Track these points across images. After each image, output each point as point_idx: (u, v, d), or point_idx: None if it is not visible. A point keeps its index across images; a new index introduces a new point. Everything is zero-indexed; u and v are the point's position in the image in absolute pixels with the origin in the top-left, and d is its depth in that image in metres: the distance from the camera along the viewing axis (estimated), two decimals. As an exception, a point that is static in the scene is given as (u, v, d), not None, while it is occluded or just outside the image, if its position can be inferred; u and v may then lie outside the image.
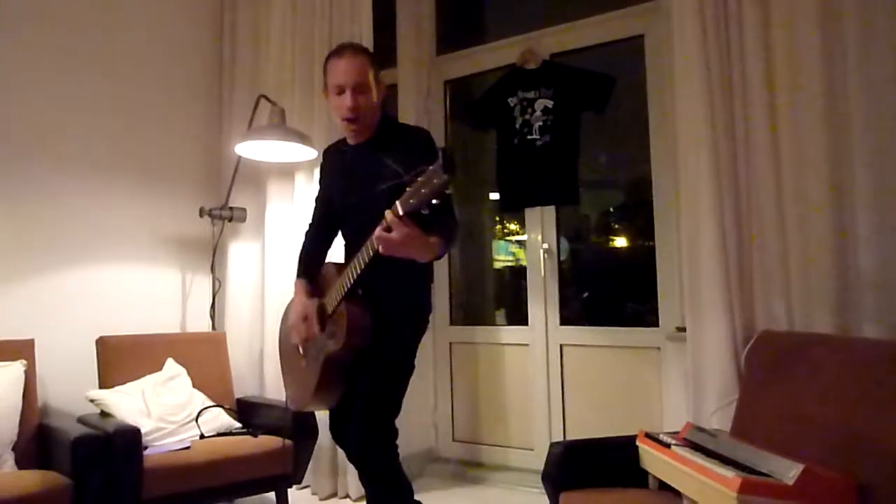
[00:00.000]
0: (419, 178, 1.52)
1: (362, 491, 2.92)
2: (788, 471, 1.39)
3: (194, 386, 2.76)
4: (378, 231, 1.63)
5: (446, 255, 2.08)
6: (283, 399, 2.99)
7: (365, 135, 2.02)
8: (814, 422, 1.67)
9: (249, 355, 3.29)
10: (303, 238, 2.26)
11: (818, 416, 1.67)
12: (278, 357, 2.32)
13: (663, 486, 1.71)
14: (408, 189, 1.55)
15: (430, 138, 1.97)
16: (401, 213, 1.57)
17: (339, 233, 2.19)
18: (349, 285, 1.85)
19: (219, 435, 2.61)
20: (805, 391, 1.75)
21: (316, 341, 2.00)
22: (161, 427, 2.48)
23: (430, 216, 1.58)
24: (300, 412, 2.61)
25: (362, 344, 1.89)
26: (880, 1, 1.95)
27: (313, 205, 2.29)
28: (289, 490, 2.66)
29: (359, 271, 1.80)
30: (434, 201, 1.51)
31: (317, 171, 3.09)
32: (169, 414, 2.55)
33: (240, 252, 3.41)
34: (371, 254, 1.73)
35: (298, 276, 2.16)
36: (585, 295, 3.25)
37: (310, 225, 2.26)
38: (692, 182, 2.26)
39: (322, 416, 2.72)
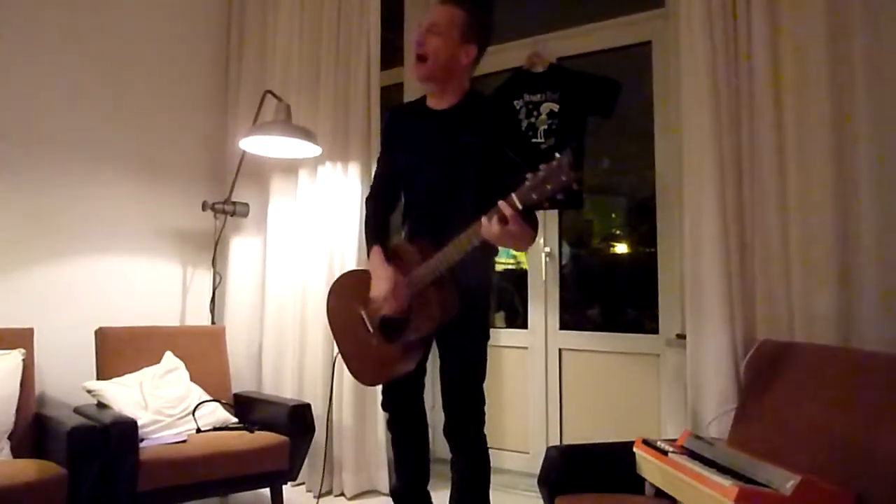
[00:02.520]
0: (540, 173, 1.51)
1: (357, 489, 2.94)
2: (786, 481, 1.38)
3: (192, 380, 2.75)
4: (494, 222, 1.60)
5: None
6: (280, 395, 3.02)
7: (450, 100, 1.94)
8: (813, 432, 1.67)
9: (248, 350, 3.29)
10: (365, 207, 2.16)
11: (817, 426, 1.66)
12: (331, 332, 2.21)
13: (660, 494, 1.71)
14: (527, 182, 1.53)
15: (513, 113, 1.94)
16: (519, 207, 1.56)
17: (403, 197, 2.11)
18: (443, 268, 1.79)
19: (215, 429, 2.60)
20: (805, 401, 1.75)
21: (393, 321, 1.94)
22: (158, 420, 2.48)
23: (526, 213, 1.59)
24: (299, 408, 2.63)
25: (451, 318, 1.86)
26: (888, 10, 1.96)
27: (376, 168, 2.18)
28: (284, 486, 2.65)
29: (459, 256, 1.74)
30: (558, 197, 1.50)
31: (321, 169, 3.13)
32: (166, 407, 2.54)
33: (241, 247, 3.41)
34: (475, 244, 1.69)
35: (373, 243, 2.03)
36: (592, 310, 3.24)
37: (371, 193, 2.15)
38: (696, 189, 2.25)
39: (320, 412, 2.72)
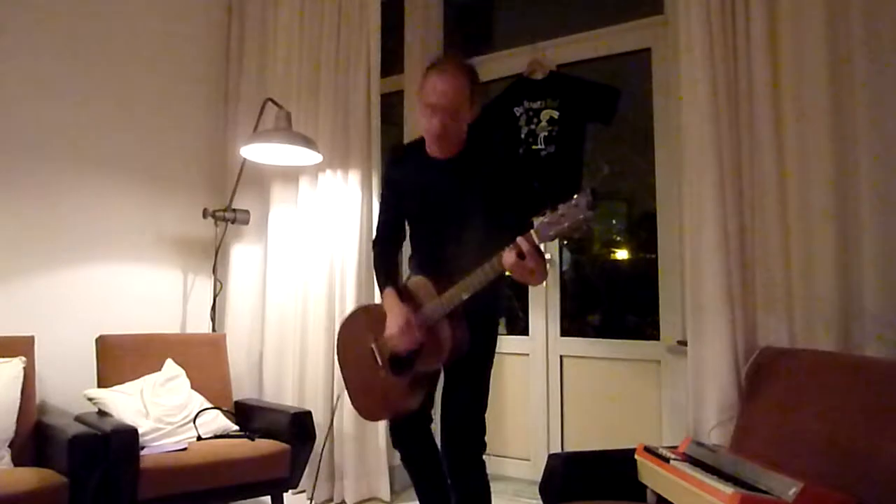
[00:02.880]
0: (559, 210, 1.59)
1: (358, 497, 2.94)
2: (788, 488, 1.38)
3: (193, 387, 2.75)
4: (513, 257, 1.68)
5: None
6: (281, 403, 3.02)
7: (452, 150, 1.98)
8: (814, 439, 1.66)
9: (249, 358, 3.28)
10: (372, 250, 2.22)
11: (819, 433, 1.66)
12: (338, 365, 2.28)
13: (661, 501, 1.70)
14: (546, 219, 1.62)
15: (507, 138, 2.02)
16: (537, 242, 1.64)
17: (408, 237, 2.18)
18: (458, 303, 1.85)
19: (216, 437, 2.60)
20: (806, 408, 1.74)
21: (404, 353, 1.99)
22: (159, 428, 2.48)
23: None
24: (300, 415, 2.63)
25: (459, 356, 1.92)
26: (888, 13, 1.96)
27: (381, 210, 2.21)
28: (285, 494, 2.65)
29: (469, 294, 1.81)
30: (576, 236, 1.59)
31: (321, 176, 3.13)
32: (167, 415, 2.54)
33: (242, 254, 3.41)
34: (493, 275, 1.76)
35: (385, 285, 2.07)
36: (593, 317, 3.24)
37: (378, 233, 2.21)
38: (696, 195, 2.26)
39: (321, 420, 2.72)
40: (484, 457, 2.01)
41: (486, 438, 2.00)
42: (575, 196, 1.58)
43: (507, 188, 1.90)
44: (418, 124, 2.00)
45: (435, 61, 1.95)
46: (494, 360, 2.07)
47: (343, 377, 2.24)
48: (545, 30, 3.26)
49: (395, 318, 1.95)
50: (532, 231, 1.66)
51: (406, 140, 3.31)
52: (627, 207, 3.35)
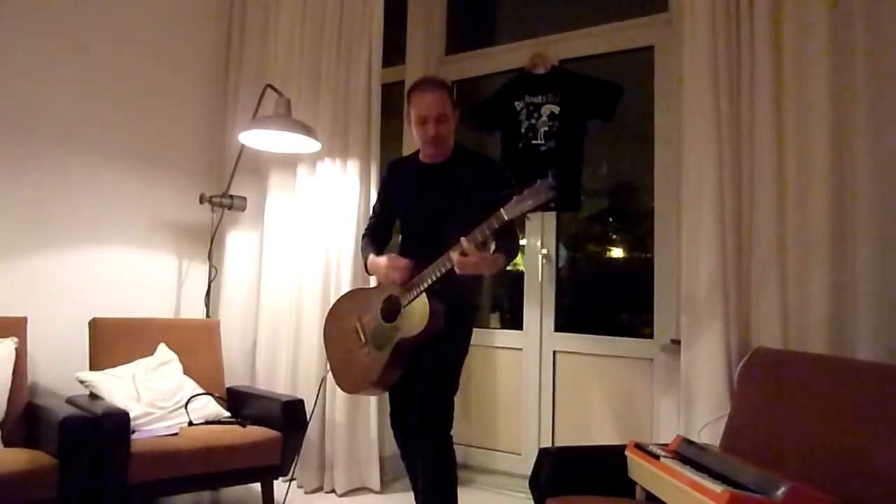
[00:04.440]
0: (526, 191, 1.81)
1: (348, 486, 2.94)
2: (777, 488, 1.39)
3: (185, 372, 2.75)
4: (457, 256, 1.92)
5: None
6: (274, 390, 3.02)
7: (442, 157, 2.26)
8: (805, 440, 1.67)
9: (242, 345, 3.28)
10: (361, 241, 2.47)
11: (809, 433, 1.67)
12: (324, 342, 2.44)
13: (650, 498, 1.71)
14: (515, 198, 1.84)
15: (500, 167, 2.30)
16: (506, 218, 1.86)
17: (398, 234, 2.40)
18: (426, 285, 2.07)
19: (207, 423, 2.60)
20: (797, 409, 1.75)
21: (384, 329, 2.19)
22: (150, 412, 2.48)
23: (499, 235, 1.94)
24: (292, 403, 2.63)
25: (436, 331, 2.08)
26: (891, 15, 1.97)
27: (372, 211, 2.53)
28: (275, 482, 2.65)
29: (436, 277, 2.05)
30: (538, 211, 1.80)
31: (320, 165, 3.13)
32: (159, 399, 2.54)
33: (238, 241, 3.40)
34: (448, 268, 2.00)
35: (368, 254, 2.33)
36: (587, 313, 3.24)
37: (368, 229, 2.47)
38: (695, 194, 2.26)
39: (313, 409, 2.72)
40: (464, 448, 2.08)
41: (452, 416, 2.14)
42: (538, 181, 1.80)
43: (482, 194, 2.06)
44: (414, 139, 2.28)
45: (415, 83, 2.26)
46: (482, 354, 2.16)
47: (327, 356, 2.42)
48: (548, 24, 3.25)
49: (385, 264, 2.21)
50: (501, 210, 1.86)
51: (404, 133, 3.31)
52: (625, 205, 3.35)
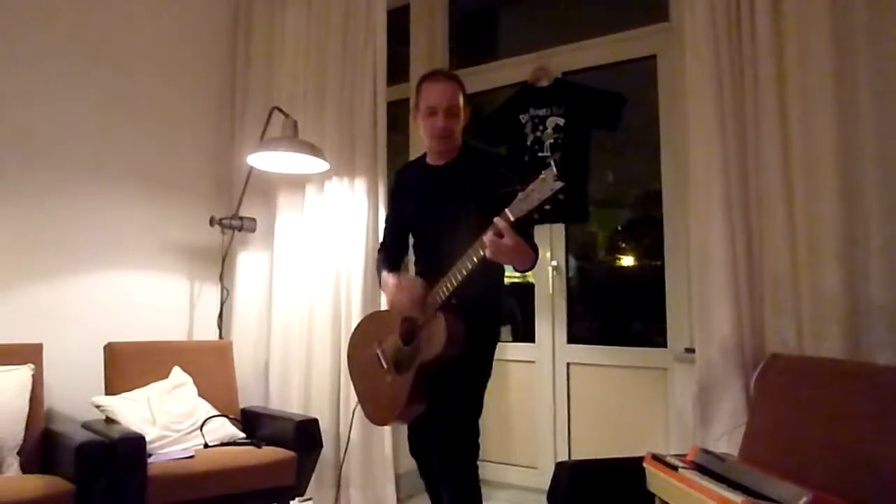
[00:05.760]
0: (530, 185, 1.66)
1: (365, 505, 2.93)
2: (798, 498, 1.37)
3: (200, 395, 2.76)
4: (490, 236, 1.74)
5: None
6: (287, 410, 3.02)
7: (449, 156, 2.13)
8: (823, 447, 1.65)
9: (255, 365, 3.29)
10: (377, 256, 2.35)
11: (828, 441, 1.65)
12: (349, 372, 2.37)
13: (670, 510, 1.69)
14: (519, 196, 1.68)
15: (509, 161, 2.12)
16: (511, 219, 1.70)
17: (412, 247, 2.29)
18: (446, 294, 1.93)
19: (223, 445, 2.61)
20: (814, 416, 1.73)
21: (403, 353, 2.07)
22: (166, 435, 2.48)
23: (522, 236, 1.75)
24: (306, 423, 2.63)
25: (457, 352, 1.96)
26: (891, 13, 1.97)
27: (385, 222, 2.42)
28: (291, 502, 2.64)
29: (458, 281, 1.90)
30: (546, 207, 1.64)
31: (328, 184, 3.14)
32: (174, 422, 2.55)
33: (248, 262, 3.42)
34: (476, 261, 1.83)
35: (383, 272, 2.20)
36: (599, 324, 3.23)
37: (382, 244, 2.36)
38: (703, 202, 2.25)
39: (328, 427, 2.72)
40: (479, 463, 2.02)
41: (478, 442, 2.02)
42: (542, 172, 1.65)
43: (492, 195, 1.92)
44: (420, 135, 2.16)
45: (426, 74, 2.12)
46: (494, 367, 2.09)
47: (354, 388, 2.34)
48: (549, 37, 3.27)
49: (393, 280, 2.09)
50: (506, 210, 1.72)
51: (410, 150, 3.33)
52: (633, 214, 3.34)
